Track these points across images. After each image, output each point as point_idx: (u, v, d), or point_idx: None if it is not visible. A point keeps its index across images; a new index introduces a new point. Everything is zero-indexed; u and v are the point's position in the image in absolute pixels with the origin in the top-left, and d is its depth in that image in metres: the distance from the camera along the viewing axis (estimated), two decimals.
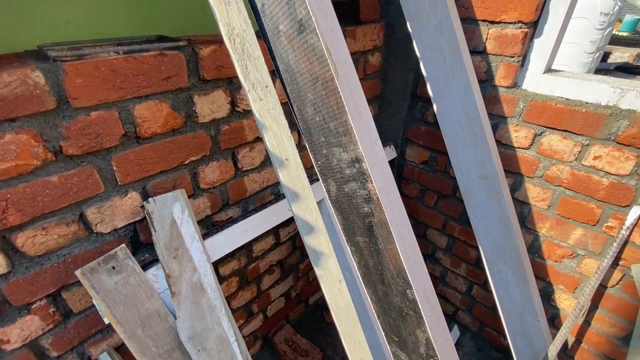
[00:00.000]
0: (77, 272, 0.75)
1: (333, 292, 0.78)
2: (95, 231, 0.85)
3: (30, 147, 0.68)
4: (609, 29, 3.34)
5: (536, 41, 1.15)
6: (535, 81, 1.19)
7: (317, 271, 0.77)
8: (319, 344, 1.67)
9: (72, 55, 0.69)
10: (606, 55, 5.22)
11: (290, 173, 0.71)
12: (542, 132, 1.21)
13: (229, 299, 1.35)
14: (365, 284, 0.78)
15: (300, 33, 0.61)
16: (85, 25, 1.06)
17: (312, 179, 1.18)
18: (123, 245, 0.82)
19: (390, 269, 0.70)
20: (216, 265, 1.23)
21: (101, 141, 0.77)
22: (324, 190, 0.75)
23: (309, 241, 0.75)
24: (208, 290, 0.90)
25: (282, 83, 0.70)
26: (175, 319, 0.86)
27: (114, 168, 0.82)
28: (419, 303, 0.69)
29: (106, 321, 0.79)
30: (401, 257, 0.67)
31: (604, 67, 4.80)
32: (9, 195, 0.68)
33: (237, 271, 1.32)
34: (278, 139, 0.69)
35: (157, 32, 1.21)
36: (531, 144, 1.24)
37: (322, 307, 1.93)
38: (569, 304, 1.37)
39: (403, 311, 0.73)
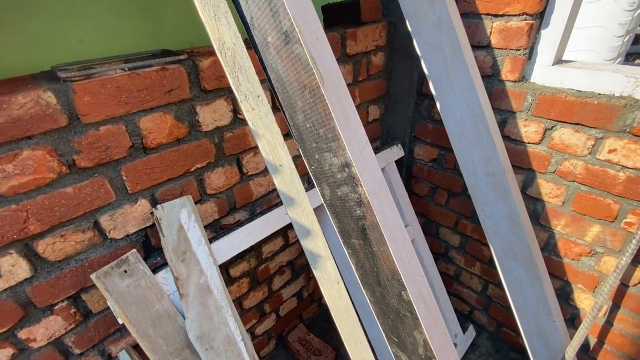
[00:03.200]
0: (92, 276, 0.81)
1: (332, 293, 0.79)
2: (109, 237, 0.90)
3: (46, 162, 0.74)
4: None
5: (543, 32, 1.12)
6: (543, 74, 1.15)
7: (316, 273, 0.79)
8: (332, 344, 1.69)
9: (80, 75, 0.74)
10: (638, 38, 4.90)
11: (285, 179, 0.73)
12: (552, 126, 1.17)
13: (240, 299, 1.40)
14: (364, 285, 0.80)
15: (286, 44, 0.63)
16: (98, 43, 1.12)
17: (311, 184, 1.20)
18: (134, 250, 0.88)
19: (385, 270, 0.71)
20: (226, 266, 1.27)
21: (111, 153, 0.83)
22: (319, 194, 0.77)
23: (306, 244, 0.77)
24: (215, 292, 0.93)
25: (274, 91, 0.72)
26: (184, 319, 0.90)
27: (124, 178, 0.87)
28: (414, 304, 0.69)
29: (120, 321, 0.84)
30: (394, 259, 0.67)
31: (636, 51, 4.51)
32: (29, 207, 0.75)
33: (247, 272, 1.36)
34: (271, 146, 0.71)
35: (166, 45, 1.27)
36: (542, 139, 1.20)
37: None
38: (588, 303, 1.32)
39: (400, 312, 0.74)
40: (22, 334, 0.84)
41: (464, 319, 1.84)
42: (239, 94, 0.69)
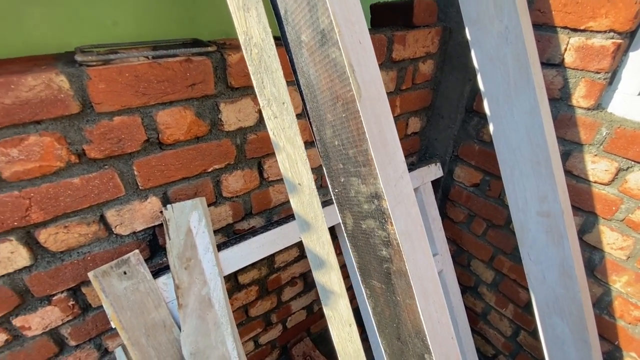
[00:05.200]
0: (90, 274, 0.76)
1: (342, 336, 0.69)
2: (114, 232, 0.85)
3: (53, 149, 0.69)
4: None
5: (632, 55, 0.93)
6: (626, 104, 0.96)
7: (326, 311, 0.68)
8: None
9: (98, 60, 0.68)
10: None
11: (303, 199, 0.63)
12: (628, 167, 0.98)
13: (247, 306, 1.33)
14: (380, 333, 0.68)
15: (322, 45, 0.53)
16: (132, 27, 1.08)
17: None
18: (137, 251, 0.82)
19: (408, 325, 0.59)
20: (235, 272, 1.20)
21: (123, 146, 0.77)
22: (340, 221, 0.66)
23: (319, 277, 0.67)
24: (216, 306, 0.86)
25: (302, 99, 0.62)
26: (180, 331, 0.83)
27: (135, 173, 0.82)
28: None
29: (112, 325, 0.79)
30: (421, 316, 0.56)
31: None
32: (32, 194, 0.70)
33: (257, 280, 1.29)
34: (292, 161, 0.62)
35: (201, 33, 1.21)
36: (612, 180, 1.02)
37: None
38: None
39: None
40: (17, 322, 0.81)
41: None
42: (261, 99, 0.59)
